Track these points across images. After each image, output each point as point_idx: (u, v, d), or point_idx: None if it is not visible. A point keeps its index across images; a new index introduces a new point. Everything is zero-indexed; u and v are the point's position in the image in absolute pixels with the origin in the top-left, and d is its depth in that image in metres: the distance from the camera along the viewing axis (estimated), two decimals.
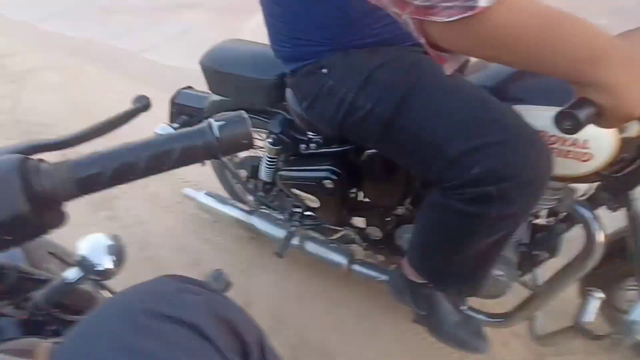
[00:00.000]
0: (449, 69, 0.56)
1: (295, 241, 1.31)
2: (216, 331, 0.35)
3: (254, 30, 3.51)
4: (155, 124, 1.34)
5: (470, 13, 0.45)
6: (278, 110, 1.15)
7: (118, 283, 0.93)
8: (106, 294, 0.77)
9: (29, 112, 2.88)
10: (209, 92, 1.34)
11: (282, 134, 1.15)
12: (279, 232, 1.35)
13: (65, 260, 1.01)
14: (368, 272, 1.27)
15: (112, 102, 2.84)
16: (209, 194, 1.56)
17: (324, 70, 0.81)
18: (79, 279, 0.60)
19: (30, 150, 0.46)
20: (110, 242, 0.63)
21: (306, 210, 1.28)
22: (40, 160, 0.39)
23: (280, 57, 0.92)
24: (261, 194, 1.38)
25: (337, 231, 1.36)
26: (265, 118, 1.19)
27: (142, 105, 0.68)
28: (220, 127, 0.39)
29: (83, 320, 0.36)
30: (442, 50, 0.52)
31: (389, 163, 0.98)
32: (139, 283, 0.40)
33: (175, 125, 1.38)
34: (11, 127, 2.72)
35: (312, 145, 1.11)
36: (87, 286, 0.77)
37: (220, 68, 1.13)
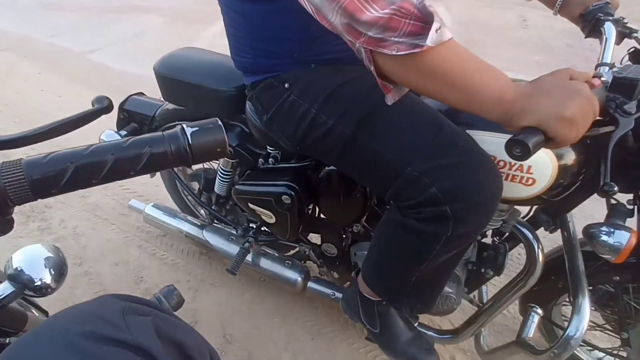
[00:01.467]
0: (391, 98, 0.61)
1: (249, 258, 1.27)
2: (164, 354, 0.32)
3: (209, 40, 3.46)
4: (98, 131, 1.25)
5: (417, 50, 0.52)
6: (236, 123, 1.13)
7: (50, 302, 0.84)
8: (40, 315, 0.69)
9: None
10: (162, 99, 1.28)
11: (239, 147, 1.12)
12: (232, 248, 1.30)
13: None
14: (322, 289, 1.25)
15: (49, 104, 2.63)
16: (156, 206, 1.48)
17: (286, 85, 0.81)
18: (10, 295, 0.53)
19: None
20: (49, 254, 0.57)
21: (261, 226, 1.25)
22: None
23: (240, 69, 0.90)
24: (214, 207, 1.33)
25: (292, 247, 1.34)
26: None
27: (103, 106, 0.63)
28: (194, 134, 0.37)
29: (13, 344, 0.32)
30: (388, 80, 0.56)
31: (347, 180, 0.99)
32: (78, 303, 0.36)
33: (123, 132, 1.30)
34: None
35: (270, 160, 1.09)
36: (17, 305, 0.69)
37: (175, 76, 1.08)
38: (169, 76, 1.10)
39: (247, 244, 1.23)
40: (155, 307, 0.42)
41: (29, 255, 0.57)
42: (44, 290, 0.56)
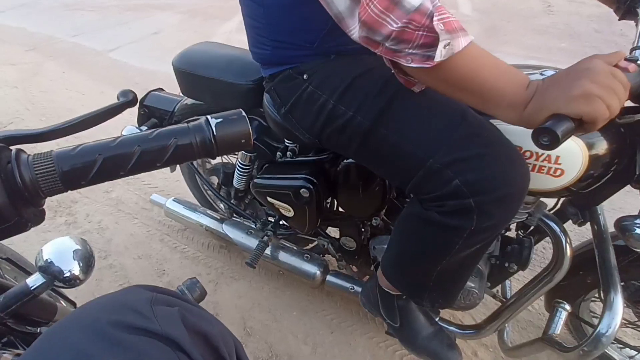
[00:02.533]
0: (417, 88, 0.62)
1: (267, 251, 1.28)
2: (191, 344, 0.33)
3: (226, 36, 3.47)
4: (120, 127, 1.27)
5: (427, 65, 0.54)
6: (254, 117, 1.12)
7: (78, 294, 0.86)
8: (68, 305, 0.71)
9: None
10: (181, 95, 1.29)
11: (257, 140, 1.12)
12: (251, 242, 1.31)
13: (21, 267, 0.92)
14: (341, 283, 1.25)
15: (73, 101, 2.70)
16: (177, 201, 1.50)
17: (304, 76, 0.79)
18: (42, 286, 0.54)
19: (8, 140, 0.42)
20: (77, 247, 0.58)
21: (280, 220, 1.25)
22: (20, 150, 0.35)
23: (259, 60, 0.89)
24: (233, 201, 1.33)
25: (310, 241, 1.34)
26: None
27: (128, 100, 0.64)
28: (218, 125, 0.37)
29: (45, 332, 0.32)
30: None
31: (366, 173, 0.97)
32: (107, 293, 0.37)
33: (144, 128, 1.32)
34: None
35: (288, 153, 1.08)
36: (46, 296, 0.71)
37: (193, 71, 1.09)
38: (187, 71, 1.10)
39: (265, 238, 1.24)
40: (180, 298, 0.42)
41: (58, 248, 0.58)
42: (72, 282, 0.58)
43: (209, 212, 1.47)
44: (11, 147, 0.35)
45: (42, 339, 0.31)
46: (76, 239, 0.60)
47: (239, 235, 1.35)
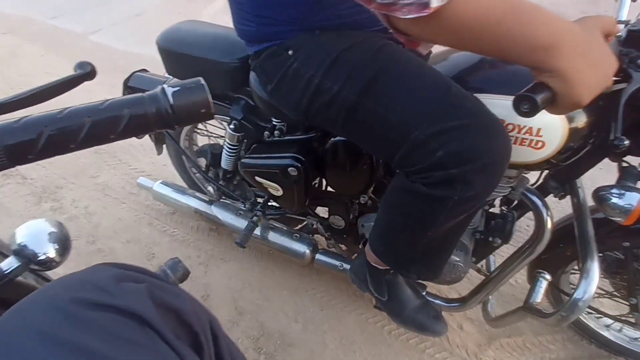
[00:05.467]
0: (423, 50, 0.57)
1: (257, 231, 1.29)
2: (159, 319, 0.32)
3: (211, 17, 3.39)
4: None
5: (425, 12, 0.47)
6: (240, 96, 1.12)
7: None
8: None
9: None
10: (165, 75, 1.27)
11: (244, 120, 1.12)
12: (241, 223, 1.32)
13: (0, 251, 0.91)
14: (330, 261, 1.27)
15: None
16: (165, 184, 1.49)
17: (289, 52, 0.79)
18: (17, 269, 0.54)
19: None
20: (52, 229, 0.57)
21: (269, 200, 1.26)
22: None
23: (243, 37, 0.88)
24: (222, 183, 1.33)
25: (300, 221, 1.35)
26: (226, 104, 1.15)
27: (86, 72, 0.61)
28: (175, 93, 0.35)
29: (6, 312, 0.32)
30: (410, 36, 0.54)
31: (353, 151, 0.98)
32: (71, 273, 0.36)
33: None
34: None
35: (276, 132, 1.08)
36: (24, 279, 0.70)
37: (178, 49, 1.07)
38: (172, 50, 1.09)
39: (255, 218, 1.24)
40: (151, 275, 0.41)
41: (32, 230, 0.57)
42: (48, 264, 0.57)
43: (197, 194, 1.46)
44: None
45: (2, 319, 0.30)
46: (51, 221, 0.59)
47: (228, 216, 1.35)
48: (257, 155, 1.08)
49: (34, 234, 0.56)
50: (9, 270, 0.53)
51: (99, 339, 0.28)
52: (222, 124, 1.31)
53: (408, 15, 0.48)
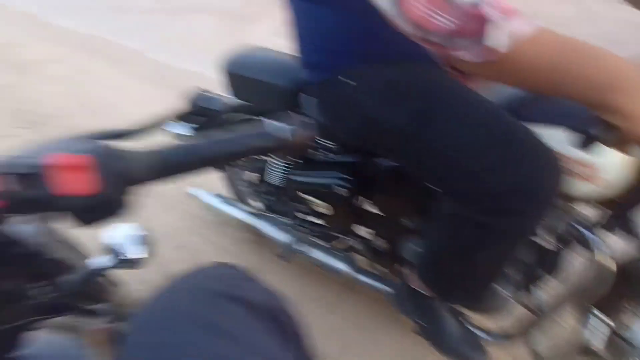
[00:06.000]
0: (473, 85, 0.59)
1: (300, 247, 1.32)
2: (284, 318, 0.37)
3: (258, 37, 3.55)
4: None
5: (490, 58, 0.49)
6: (293, 114, 1.17)
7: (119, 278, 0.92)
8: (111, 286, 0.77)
9: (32, 102, 2.86)
10: (225, 95, 1.36)
11: None
12: (285, 237, 1.36)
13: (77, 249, 1.01)
14: (371, 282, 1.28)
15: (116, 98, 2.85)
16: (213, 194, 1.57)
17: (349, 82, 0.83)
18: (107, 266, 0.61)
19: (106, 137, 0.48)
20: (139, 232, 0.64)
21: (314, 217, 1.30)
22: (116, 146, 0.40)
23: (304, 65, 0.94)
24: (269, 197, 1.39)
25: (343, 239, 1.38)
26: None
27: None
28: (282, 128, 0.42)
29: (151, 298, 0.37)
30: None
31: (403, 174, 1.00)
32: (197, 267, 0.41)
33: (194, 125, 1.40)
34: (20, 117, 2.70)
35: (326, 151, 1.13)
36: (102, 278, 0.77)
37: (245, 73, 1.16)
38: (239, 74, 1.17)
39: (298, 233, 1.28)
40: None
41: (122, 232, 0.64)
42: (134, 264, 0.64)
43: (243, 206, 1.53)
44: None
45: (150, 304, 0.35)
46: (137, 226, 0.66)
47: (272, 230, 1.40)
48: (306, 173, 1.13)
49: (124, 235, 0.63)
50: (103, 266, 0.60)
51: (239, 326, 0.32)
52: None
53: (474, 59, 0.50)
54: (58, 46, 3.88)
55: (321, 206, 1.13)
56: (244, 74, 1.17)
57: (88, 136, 0.43)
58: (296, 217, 1.33)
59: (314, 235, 1.37)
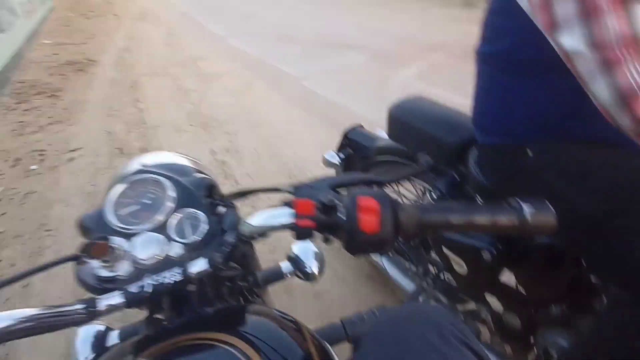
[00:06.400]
0: None
1: (421, 298, 1.31)
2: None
3: (405, 80, 3.67)
4: (323, 145, 1.51)
5: None
6: (449, 169, 1.19)
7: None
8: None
9: (209, 108, 3.45)
10: (378, 133, 1.46)
11: (447, 193, 1.18)
12: (407, 283, 1.36)
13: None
14: (493, 358, 1.19)
15: (270, 116, 3.25)
16: None
17: (529, 153, 0.82)
18: (290, 272, 0.71)
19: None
20: (316, 250, 0.74)
21: (447, 273, 1.27)
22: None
23: (479, 126, 0.96)
24: (400, 239, 1.41)
25: (469, 303, 1.32)
26: (432, 172, 1.24)
27: None
28: (531, 211, 0.43)
29: (382, 317, 0.42)
30: None
31: (561, 254, 0.93)
32: (420, 303, 0.46)
33: (341, 155, 1.53)
34: (195, 118, 3.29)
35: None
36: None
37: (408, 120, 1.23)
38: (401, 119, 1.25)
39: (424, 284, 1.27)
40: None
41: (304, 247, 0.75)
42: (310, 277, 0.73)
43: None
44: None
45: (382, 323, 0.40)
46: (316, 246, 0.76)
47: (397, 273, 1.41)
48: None
49: (306, 250, 0.73)
50: (285, 272, 0.71)
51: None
52: (418, 185, 1.41)
53: None
54: (231, 63, 4.62)
55: (459, 264, 1.11)
56: (406, 120, 1.24)
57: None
58: (428, 269, 1.33)
59: (440, 292, 1.34)
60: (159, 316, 0.53)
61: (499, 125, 0.88)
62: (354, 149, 1.51)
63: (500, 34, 0.80)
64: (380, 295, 1.63)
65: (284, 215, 0.44)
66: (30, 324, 0.40)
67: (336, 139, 1.56)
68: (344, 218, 0.41)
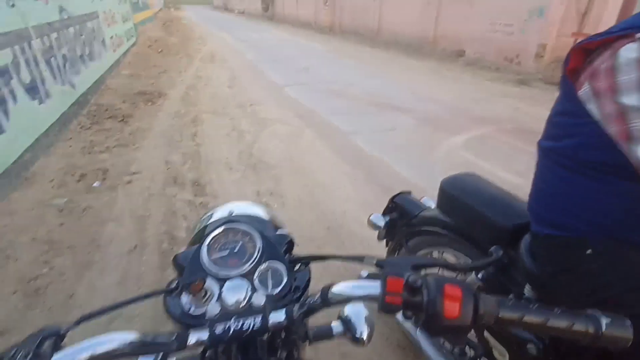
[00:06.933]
0: None
1: None
2: None
3: (450, 149, 3.72)
4: (371, 209, 1.55)
5: None
6: (497, 252, 1.19)
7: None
8: None
9: (259, 150, 3.65)
10: (424, 202, 1.49)
11: (493, 274, 1.17)
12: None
13: None
14: None
15: (315, 165, 3.37)
16: None
17: (588, 251, 0.83)
18: (338, 333, 0.73)
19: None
20: (368, 314, 0.76)
21: (483, 356, 1.23)
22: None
23: (535, 215, 0.97)
24: None
25: None
26: (476, 249, 1.25)
27: None
28: (608, 324, 0.45)
29: None
30: None
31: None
32: None
33: (386, 218, 1.57)
34: (245, 158, 3.48)
35: (524, 298, 1.09)
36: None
37: (459, 195, 1.26)
38: (452, 193, 1.28)
39: None
40: None
41: (356, 310, 0.77)
42: (359, 342, 0.74)
43: None
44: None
45: None
46: (369, 311, 0.78)
47: (431, 348, 1.38)
48: None
49: (357, 313, 0.75)
50: (335, 332, 0.73)
51: None
52: (459, 261, 1.40)
53: None
54: (285, 110, 4.90)
55: (501, 352, 1.08)
56: (458, 195, 1.27)
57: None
58: (464, 351, 1.29)
59: None
60: None
61: (558, 217, 0.90)
62: (400, 214, 1.55)
63: (566, 133, 0.83)
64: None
65: (372, 288, 0.48)
66: (128, 348, 0.46)
67: (377, 197, 1.61)
68: (426, 299, 0.44)
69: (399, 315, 1.53)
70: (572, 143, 0.83)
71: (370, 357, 1.61)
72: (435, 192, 1.37)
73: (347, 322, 0.76)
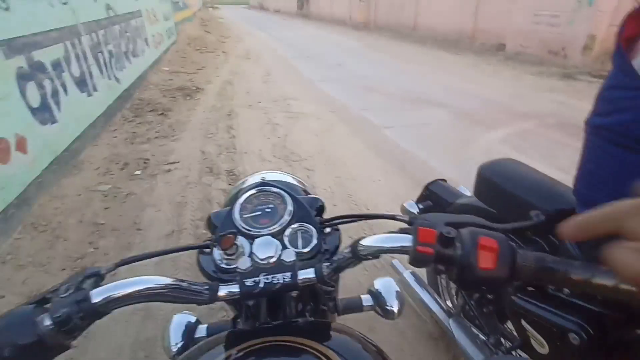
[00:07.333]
0: None
1: None
2: None
3: (486, 144, 3.58)
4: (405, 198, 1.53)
5: None
6: (538, 239, 1.14)
7: None
8: None
9: (292, 143, 3.68)
10: (460, 190, 1.44)
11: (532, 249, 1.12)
12: (475, 352, 1.27)
13: None
14: None
15: (348, 157, 3.35)
16: (414, 275, 1.62)
17: None
18: (370, 306, 0.73)
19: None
20: (398, 289, 0.75)
21: (519, 347, 1.18)
22: None
23: (583, 199, 0.92)
24: (472, 303, 1.35)
25: None
26: (516, 239, 1.19)
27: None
28: None
29: None
30: None
31: None
32: None
33: (420, 206, 1.54)
34: (278, 150, 3.53)
35: (565, 290, 1.04)
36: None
37: (498, 181, 1.21)
38: (491, 179, 1.23)
39: (494, 357, 1.18)
40: None
41: (387, 285, 0.76)
42: (390, 315, 0.73)
43: (438, 299, 1.52)
44: None
45: None
46: (399, 285, 0.77)
47: (464, 338, 1.33)
48: (536, 302, 1.05)
49: (388, 287, 0.74)
50: (366, 305, 0.73)
51: None
52: None
53: None
54: (318, 105, 4.92)
55: (540, 343, 1.02)
56: (497, 181, 1.22)
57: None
58: (500, 341, 1.24)
59: None
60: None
61: (609, 199, 0.84)
62: (434, 202, 1.51)
63: (619, 107, 0.78)
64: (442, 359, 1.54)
65: (404, 240, 0.47)
66: (163, 291, 0.47)
67: (410, 190, 1.58)
68: (460, 252, 0.43)
69: (434, 305, 1.50)
70: (625, 118, 0.77)
71: (400, 346, 1.59)
72: (471, 186, 1.33)
73: (377, 296, 0.75)
